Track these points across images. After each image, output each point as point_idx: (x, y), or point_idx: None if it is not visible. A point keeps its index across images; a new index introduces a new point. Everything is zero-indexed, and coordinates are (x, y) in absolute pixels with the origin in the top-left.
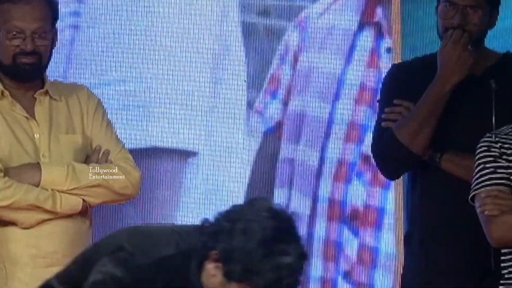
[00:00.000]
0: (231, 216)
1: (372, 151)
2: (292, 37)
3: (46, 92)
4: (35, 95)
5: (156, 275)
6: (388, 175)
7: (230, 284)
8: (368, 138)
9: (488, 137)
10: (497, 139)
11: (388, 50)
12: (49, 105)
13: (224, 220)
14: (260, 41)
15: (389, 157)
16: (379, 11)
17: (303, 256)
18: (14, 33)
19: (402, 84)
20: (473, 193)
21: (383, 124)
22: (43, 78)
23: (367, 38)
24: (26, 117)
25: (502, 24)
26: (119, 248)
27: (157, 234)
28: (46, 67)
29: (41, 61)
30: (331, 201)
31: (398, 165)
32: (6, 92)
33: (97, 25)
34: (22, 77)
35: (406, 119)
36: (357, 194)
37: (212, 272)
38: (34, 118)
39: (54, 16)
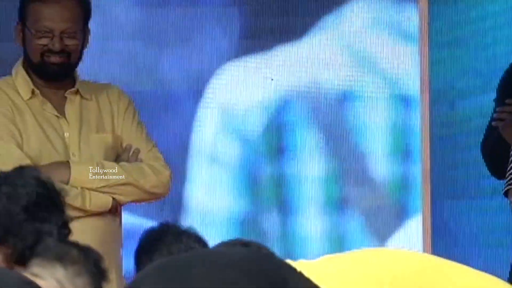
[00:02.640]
0: None
1: (481, 149)
2: None
3: (77, 91)
4: (65, 94)
5: None
6: (496, 174)
7: None
8: None
9: None
10: None
11: None
12: (79, 104)
13: None
14: None
15: (495, 156)
16: None
17: (65, 226)
18: (43, 32)
19: None
20: (507, 187)
21: (493, 123)
22: (74, 77)
23: None
24: (56, 116)
25: None
26: None
27: None
28: (76, 66)
29: (70, 60)
30: None
31: (504, 165)
32: (37, 91)
33: None
34: (50, 75)
35: None
36: None
37: None
38: (65, 116)
39: (86, 16)
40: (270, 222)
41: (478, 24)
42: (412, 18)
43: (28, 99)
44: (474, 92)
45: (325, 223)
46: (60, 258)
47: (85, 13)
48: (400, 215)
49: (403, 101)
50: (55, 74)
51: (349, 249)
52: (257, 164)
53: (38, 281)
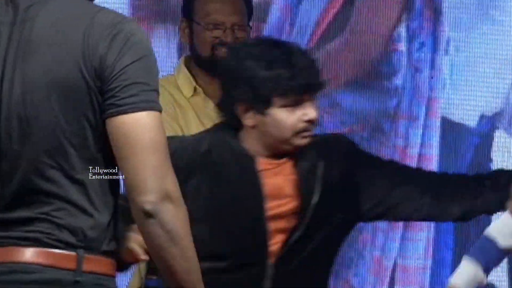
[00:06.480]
0: None
1: None
2: None
3: None
4: None
5: None
6: None
7: None
8: None
9: None
10: None
11: None
12: None
13: None
14: None
15: None
16: None
17: None
18: (214, 25)
19: None
20: None
21: None
22: None
23: None
24: None
25: None
26: None
27: None
28: None
29: None
30: None
31: None
32: (199, 89)
33: None
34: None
35: None
36: None
37: None
38: None
39: (250, 13)
40: None
41: None
42: None
43: (190, 97)
44: None
45: None
46: None
47: (249, 10)
48: None
49: None
50: None
51: None
52: None
53: None
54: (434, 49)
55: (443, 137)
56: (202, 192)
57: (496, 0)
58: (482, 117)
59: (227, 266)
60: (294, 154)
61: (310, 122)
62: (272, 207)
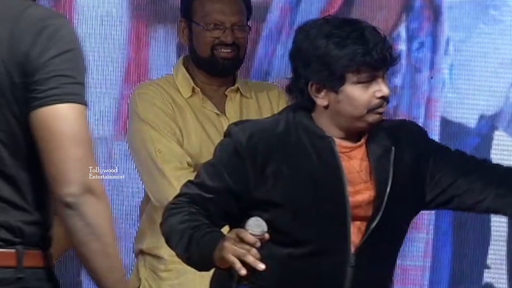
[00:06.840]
0: None
1: None
2: None
3: (237, 89)
4: (226, 92)
5: None
6: None
7: None
8: None
9: None
10: None
11: None
12: (239, 102)
13: None
14: None
15: None
16: None
17: None
18: (214, 25)
19: None
20: None
21: None
22: (234, 76)
23: None
24: (216, 114)
25: None
26: None
27: None
28: (243, 61)
29: (238, 54)
30: None
31: None
32: (197, 89)
33: None
34: (219, 71)
35: None
36: None
37: None
38: (225, 114)
39: (248, 12)
40: None
41: None
42: None
43: (189, 97)
44: None
45: None
46: None
47: (248, 10)
48: None
49: None
50: (225, 68)
51: None
52: None
53: None
54: (434, 49)
55: (442, 137)
56: (282, 175)
57: (496, 0)
58: (481, 117)
59: (309, 253)
60: (366, 136)
61: (383, 98)
62: (351, 192)
